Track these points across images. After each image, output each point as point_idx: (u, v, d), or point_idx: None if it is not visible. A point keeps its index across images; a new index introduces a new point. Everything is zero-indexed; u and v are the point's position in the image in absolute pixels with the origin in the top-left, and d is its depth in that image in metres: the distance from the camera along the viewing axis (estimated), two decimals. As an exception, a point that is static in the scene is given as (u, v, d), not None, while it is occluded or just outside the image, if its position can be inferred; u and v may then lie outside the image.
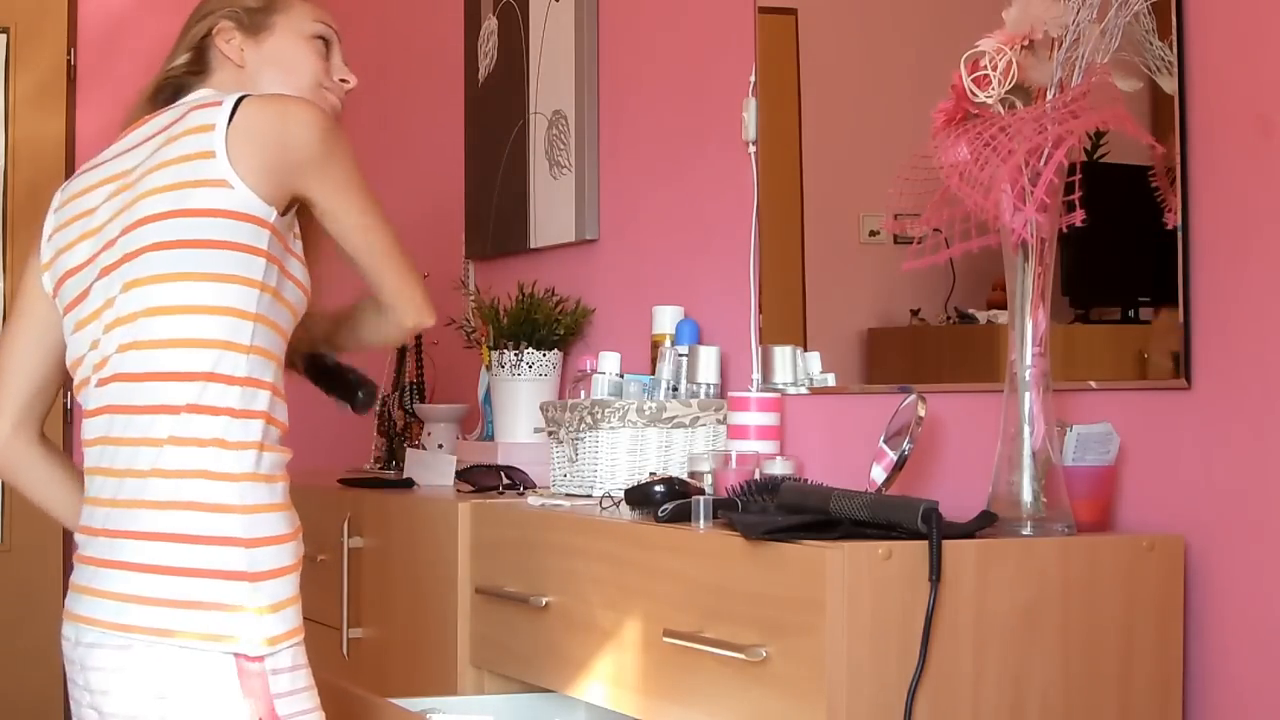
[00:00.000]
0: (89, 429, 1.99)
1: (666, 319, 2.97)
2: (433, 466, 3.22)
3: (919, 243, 2.19)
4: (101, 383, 1.97)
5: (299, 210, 2.03)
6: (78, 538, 2.02)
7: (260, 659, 1.87)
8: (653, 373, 2.87)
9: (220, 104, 1.98)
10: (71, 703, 1.98)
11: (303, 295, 2.04)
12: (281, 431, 1.99)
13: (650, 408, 2.72)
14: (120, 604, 1.88)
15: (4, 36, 4.74)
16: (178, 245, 1.93)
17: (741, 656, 1.93)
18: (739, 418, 2.64)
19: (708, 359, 2.81)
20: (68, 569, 4.68)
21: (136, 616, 1.86)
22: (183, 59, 2.16)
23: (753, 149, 2.83)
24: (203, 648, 1.85)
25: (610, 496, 2.53)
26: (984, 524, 1.97)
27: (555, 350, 3.28)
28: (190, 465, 1.89)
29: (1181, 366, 2.04)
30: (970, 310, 2.38)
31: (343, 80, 2.22)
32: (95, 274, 2.00)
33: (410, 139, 4.24)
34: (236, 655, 1.86)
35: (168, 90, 2.15)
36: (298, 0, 2.21)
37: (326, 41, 2.21)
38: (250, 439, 1.93)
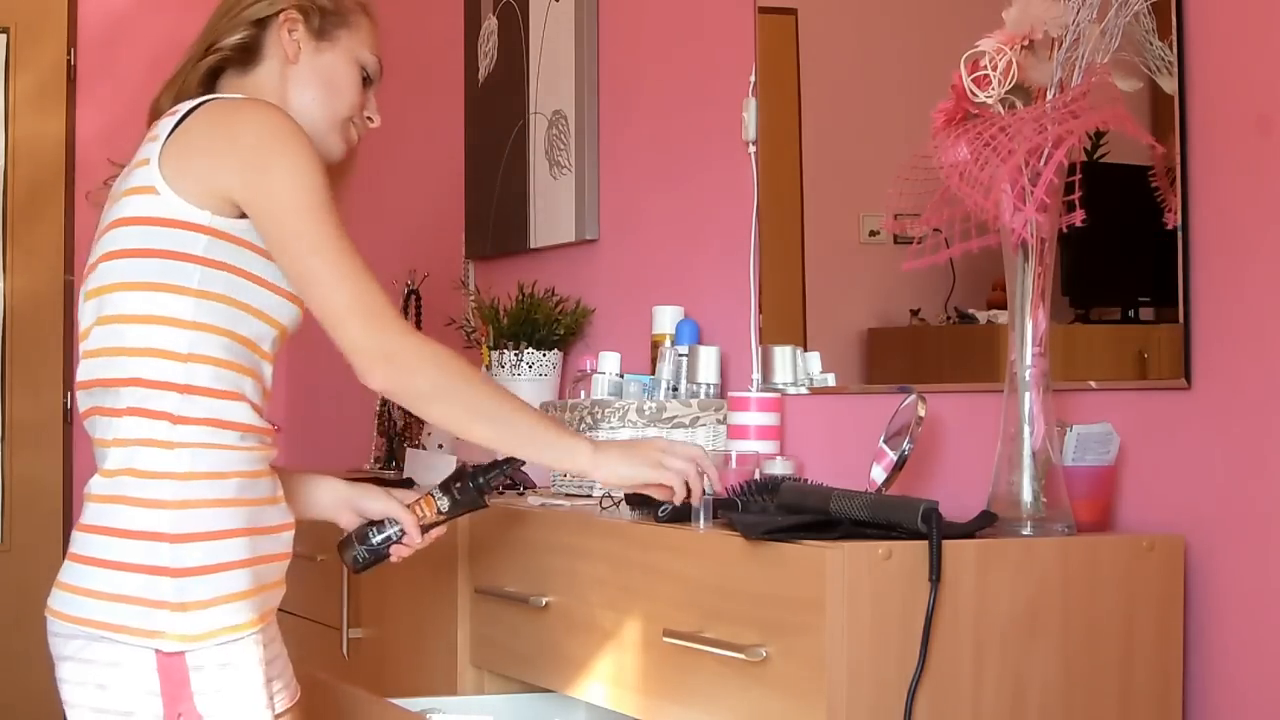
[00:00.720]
0: None
1: (666, 319, 2.97)
2: (433, 466, 3.22)
3: (919, 243, 2.19)
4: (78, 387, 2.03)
5: None
6: None
7: (179, 655, 1.87)
8: (653, 373, 2.87)
9: (176, 113, 1.98)
10: None
11: (284, 301, 1.99)
12: (241, 432, 1.96)
13: (650, 408, 2.72)
14: (69, 595, 1.92)
15: (4, 36, 4.74)
16: (115, 256, 1.95)
17: (741, 656, 1.93)
18: (739, 418, 2.64)
19: (708, 359, 2.81)
20: (68, 569, 4.69)
21: (79, 608, 1.90)
22: (236, 36, 2.09)
23: (753, 149, 2.83)
24: (128, 641, 1.87)
25: (610, 496, 2.53)
26: (984, 524, 1.97)
27: (555, 350, 3.28)
28: (125, 464, 1.92)
29: (1181, 366, 2.04)
30: (970, 310, 2.38)
31: (369, 118, 2.17)
32: (82, 295, 2.04)
33: (410, 139, 4.24)
34: (156, 650, 1.87)
35: (202, 72, 2.09)
36: (367, 21, 2.17)
37: (369, 75, 2.16)
38: (190, 440, 1.92)
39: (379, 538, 2.17)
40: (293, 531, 2.03)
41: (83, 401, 2.01)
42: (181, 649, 1.87)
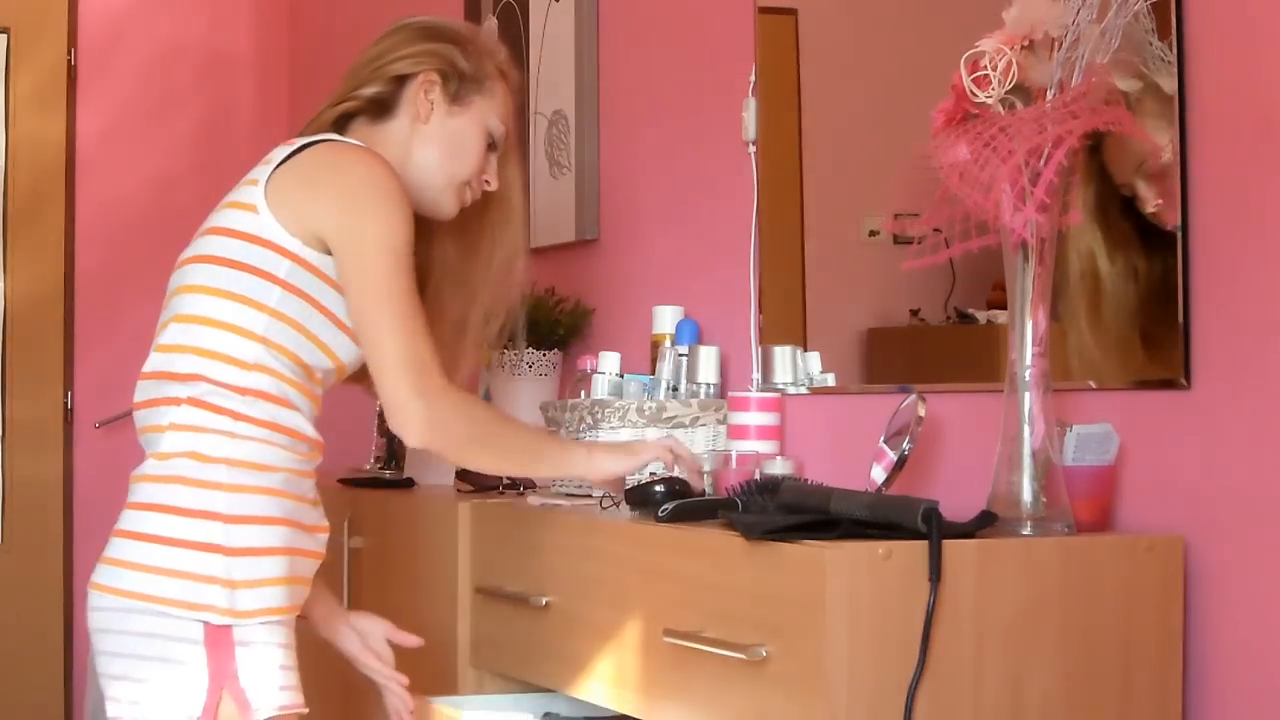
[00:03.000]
0: None
1: (666, 319, 2.97)
2: (433, 466, 3.22)
3: (919, 243, 2.19)
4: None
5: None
6: None
7: (226, 629, 1.94)
8: (653, 373, 2.87)
9: (293, 144, 2.08)
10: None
11: (348, 341, 2.07)
12: (293, 437, 2.06)
13: (650, 408, 2.72)
14: (118, 569, 1.99)
15: (4, 36, 4.74)
16: (205, 260, 2.05)
17: (741, 656, 1.93)
18: (739, 418, 2.64)
19: (708, 359, 2.81)
20: (68, 569, 4.71)
21: (131, 582, 1.97)
22: (374, 88, 2.17)
23: (753, 149, 2.83)
24: (179, 614, 1.94)
25: (610, 496, 2.53)
26: (984, 524, 1.97)
27: (555, 350, 3.28)
28: (184, 448, 2.00)
29: (1181, 366, 2.04)
30: (970, 310, 2.38)
31: (486, 181, 2.24)
32: (170, 288, 2.13)
33: (410, 139, 4.23)
34: (205, 624, 1.93)
35: (335, 115, 2.18)
36: (503, 89, 2.24)
37: (495, 141, 2.23)
38: (248, 434, 2.02)
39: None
40: (327, 535, 2.12)
41: (143, 391, 2.07)
42: (229, 623, 1.94)
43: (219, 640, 1.94)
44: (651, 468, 2.66)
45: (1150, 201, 2.06)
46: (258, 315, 2.01)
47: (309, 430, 2.07)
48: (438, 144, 2.17)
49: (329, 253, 2.03)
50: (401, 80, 2.18)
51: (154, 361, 2.06)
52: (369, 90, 2.17)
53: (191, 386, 2.01)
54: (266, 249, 2.01)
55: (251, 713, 1.94)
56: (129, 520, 2.01)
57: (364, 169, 2.05)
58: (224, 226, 2.06)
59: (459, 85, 2.18)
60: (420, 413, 2.00)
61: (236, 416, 2.00)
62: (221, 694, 1.93)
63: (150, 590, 1.95)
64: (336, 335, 2.07)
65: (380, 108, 2.18)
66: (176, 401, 2.02)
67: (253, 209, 2.03)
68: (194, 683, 1.93)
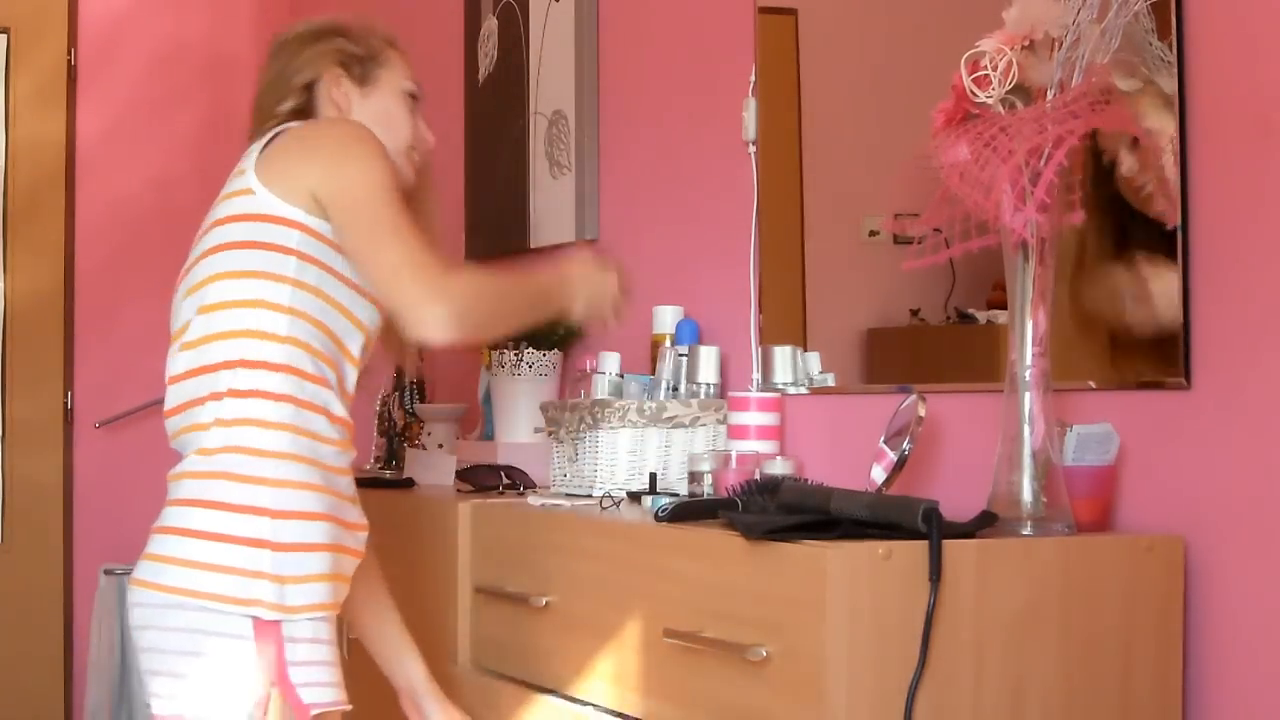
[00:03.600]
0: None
1: (666, 319, 2.97)
2: (433, 466, 3.22)
3: (919, 243, 2.19)
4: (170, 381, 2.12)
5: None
6: None
7: (275, 624, 1.95)
8: (653, 373, 2.87)
9: (265, 135, 2.13)
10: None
11: (365, 302, 2.11)
12: (328, 420, 2.07)
13: (650, 408, 2.72)
14: (163, 565, 1.99)
15: (4, 36, 4.74)
16: (214, 250, 2.07)
17: (741, 656, 1.93)
18: (739, 418, 2.64)
19: (708, 359, 2.81)
20: (68, 569, 4.70)
21: (178, 578, 1.98)
22: (290, 103, 2.24)
23: (753, 149, 2.83)
24: (228, 610, 1.95)
25: (610, 496, 2.53)
26: (984, 524, 1.97)
27: (555, 350, 3.28)
28: (227, 442, 2.01)
29: (1181, 366, 2.04)
30: (970, 310, 2.38)
31: (425, 138, 2.32)
32: (180, 295, 2.14)
33: (410, 139, 4.23)
34: (254, 618, 1.95)
35: (269, 129, 2.23)
36: (396, 54, 2.32)
37: (415, 98, 2.31)
38: (288, 421, 2.03)
39: None
40: (366, 534, 2.14)
41: (176, 395, 2.09)
42: (278, 618, 1.96)
43: (267, 635, 1.95)
44: (651, 468, 2.67)
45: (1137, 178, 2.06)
46: (280, 287, 2.03)
47: (344, 413, 2.09)
48: (369, 126, 2.21)
49: (328, 218, 2.07)
50: (309, 86, 2.25)
51: (182, 361, 2.07)
52: (287, 105, 2.23)
53: (229, 376, 2.02)
54: (274, 224, 2.04)
55: (300, 708, 1.96)
56: (172, 516, 2.02)
57: (340, 128, 2.16)
58: (225, 216, 2.09)
59: (361, 69, 2.27)
60: (436, 312, 1.98)
61: (275, 398, 2.01)
62: (271, 691, 1.94)
63: (197, 586, 1.96)
64: (354, 299, 2.09)
65: (303, 115, 2.24)
66: (218, 396, 2.03)
67: (249, 192, 2.07)
68: (242, 678, 1.94)
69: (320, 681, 1.99)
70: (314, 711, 1.98)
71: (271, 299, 2.03)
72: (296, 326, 2.04)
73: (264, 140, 2.14)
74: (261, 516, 1.97)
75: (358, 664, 2.77)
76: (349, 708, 2.07)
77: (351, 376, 2.12)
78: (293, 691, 1.95)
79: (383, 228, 2.02)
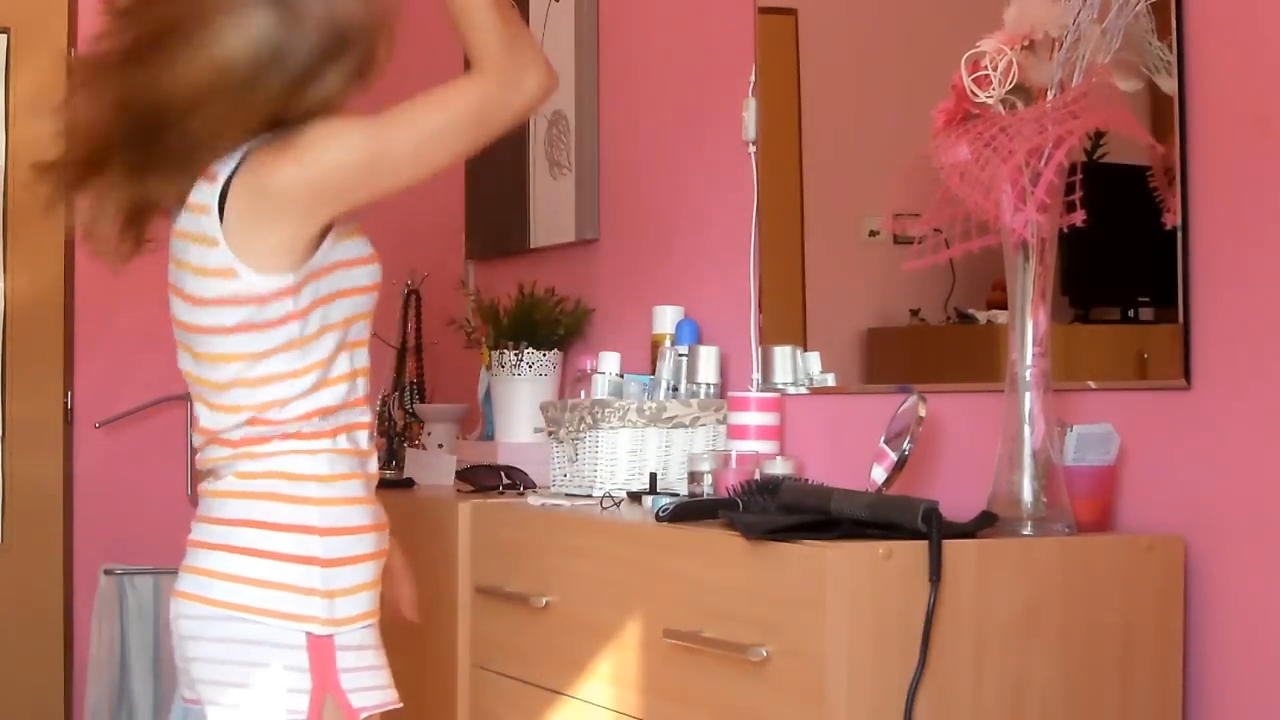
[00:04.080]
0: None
1: (666, 319, 2.97)
2: (433, 466, 3.22)
3: (919, 243, 2.19)
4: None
5: None
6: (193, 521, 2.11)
7: (329, 638, 1.97)
8: (653, 373, 2.87)
9: (215, 178, 1.97)
10: (179, 674, 2.10)
11: (364, 275, 2.05)
12: (363, 431, 2.07)
13: (650, 408, 2.72)
14: (212, 580, 2.00)
15: (4, 36, 4.73)
16: (212, 331, 1.99)
17: (741, 656, 1.93)
18: (739, 418, 2.64)
19: (708, 359, 2.81)
20: (68, 569, 4.70)
21: (230, 594, 1.98)
22: None
23: (753, 149, 2.83)
24: (283, 625, 1.96)
25: (610, 496, 2.53)
26: (984, 524, 1.97)
27: (555, 350, 3.28)
28: (270, 468, 2.00)
29: (1181, 366, 2.04)
30: (970, 310, 2.38)
31: None
32: (183, 346, 2.08)
33: (410, 139, 4.23)
34: (308, 633, 1.96)
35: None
36: None
37: None
38: (326, 447, 2.02)
39: None
40: (388, 531, 2.14)
41: (204, 441, 2.06)
42: (330, 632, 1.97)
43: (322, 648, 1.97)
44: (651, 468, 2.66)
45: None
46: (291, 354, 1.98)
47: (362, 415, 2.06)
48: None
49: (315, 246, 1.97)
50: None
51: (208, 420, 2.03)
52: None
53: (254, 429, 2.00)
54: (268, 304, 1.96)
55: (351, 712, 1.97)
56: (214, 534, 2.00)
57: (268, 158, 1.97)
58: (211, 298, 1.97)
59: None
60: (508, 79, 1.97)
61: (307, 436, 2.00)
62: (325, 698, 1.96)
63: (249, 601, 1.97)
64: (353, 281, 2.03)
65: None
66: (251, 454, 2.01)
67: (232, 273, 1.95)
68: (298, 688, 1.96)
69: (369, 686, 2.01)
70: (363, 715, 1.99)
71: (287, 369, 1.98)
72: (313, 375, 2.00)
73: (219, 192, 1.97)
74: (310, 535, 1.99)
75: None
76: (399, 705, 2.08)
77: (362, 360, 2.08)
78: (344, 698, 1.97)
79: (412, 115, 1.98)
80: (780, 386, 2.73)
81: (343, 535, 2.01)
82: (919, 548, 1.85)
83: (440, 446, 3.51)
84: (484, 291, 3.56)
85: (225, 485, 2.03)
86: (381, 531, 2.09)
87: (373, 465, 2.10)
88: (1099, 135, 2.10)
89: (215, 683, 1.99)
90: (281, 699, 1.96)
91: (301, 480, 2.00)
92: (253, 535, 1.99)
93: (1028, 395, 2.01)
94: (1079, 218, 2.01)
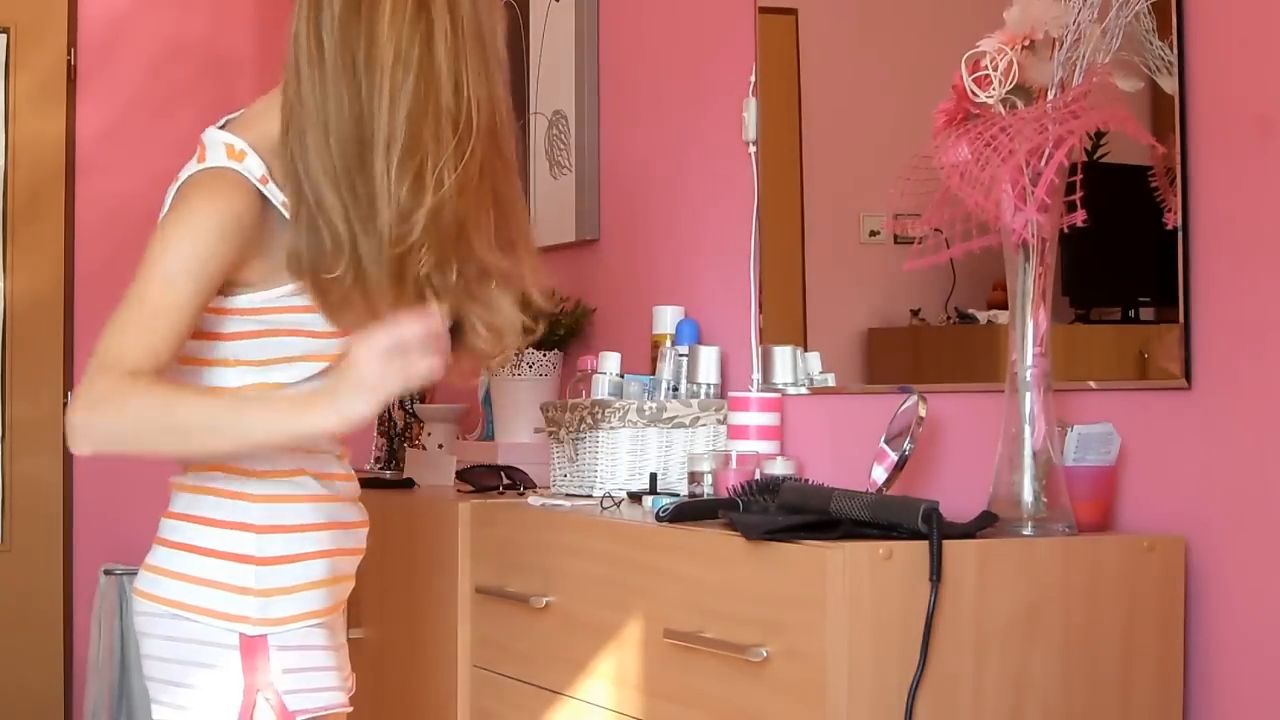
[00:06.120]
0: None
1: (666, 319, 2.97)
2: (433, 466, 3.22)
3: (919, 243, 2.19)
4: None
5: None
6: None
7: (262, 638, 1.95)
8: (653, 373, 2.87)
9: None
10: None
11: (321, 344, 1.99)
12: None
13: (650, 408, 2.72)
14: (156, 577, 2.00)
15: (4, 36, 4.74)
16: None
17: (741, 656, 1.93)
18: (739, 418, 2.64)
19: (708, 359, 2.81)
20: (68, 569, 4.70)
21: (167, 590, 1.98)
22: None
23: (753, 149, 2.83)
24: (214, 623, 1.95)
25: (610, 496, 2.53)
26: (984, 524, 1.97)
27: (555, 350, 3.28)
28: (213, 462, 1.99)
29: (1181, 366, 2.04)
30: (970, 310, 2.38)
31: None
32: None
33: (410, 139, 4.23)
34: (240, 634, 1.95)
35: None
36: None
37: None
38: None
39: None
40: (366, 530, 2.11)
41: None
42: (263, 633, 1.96)
43: (254, 649, 1.96)
44: (651, 468, 2.66)
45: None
46: (230, 370, 1.96)
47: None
48: None
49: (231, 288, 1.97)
50: None
51: None
52: None
53: None
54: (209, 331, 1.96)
55: (286, 715, 1.96)
56: (166, 528, 2.02)
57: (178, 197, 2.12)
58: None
59: None
60: (71, 420, 1.85)
61: None
62: (256, 699, 1.95)
63: (185, 599, 1.97)
64: (306, 347, 1.98)
65: None
66: None
67: None
68: (230, 688, 1.95)
69: (310, 688, 1.99)
70: (302, 718, 1.97)
71: (235, 384, 1.95)
72: (248, 375, 1.95)
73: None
74: (246, 532, 1.97)
75: (356, 664, 2.78)
76: (348, 709, 2.06)
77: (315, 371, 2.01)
78: (279, 700, 1.96)
79: (125, 300, 1.97)
80: (780, 386, 2.73)
81: (282, 533, 1.98)
82: (919, 548, 1.85)
83: (440, 447, 3.51)
84: (484, 291, 3.55)
85: (179, 478, 2.03)
86: (345, 530, 2.06)
87: (329, 463, 2.06)
88: (1099, 135, 2.09)
89: (160, 681, 1.99)
90: (216, 700, 1.94)
91: (242, 476, 1.98)
92: (193, 531, 1.98)
93: (1028, 395, 2.01)
94: (1079, 218, 2.01)
